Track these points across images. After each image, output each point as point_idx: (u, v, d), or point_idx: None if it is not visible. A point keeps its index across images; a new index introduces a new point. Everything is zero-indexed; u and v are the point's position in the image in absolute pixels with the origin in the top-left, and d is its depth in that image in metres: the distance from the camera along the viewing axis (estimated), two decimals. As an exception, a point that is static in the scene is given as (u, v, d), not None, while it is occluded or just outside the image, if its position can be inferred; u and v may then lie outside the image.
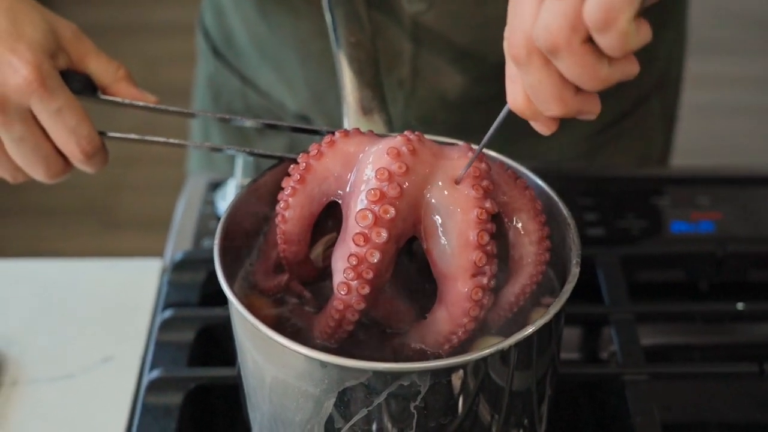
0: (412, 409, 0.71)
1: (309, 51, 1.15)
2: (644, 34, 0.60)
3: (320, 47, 1.10)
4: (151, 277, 1.09)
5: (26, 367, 1.01)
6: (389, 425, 0.72)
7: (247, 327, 0.75)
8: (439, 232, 0.73)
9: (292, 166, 0.79)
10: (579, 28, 0.60)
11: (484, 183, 0.74)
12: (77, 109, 0.85)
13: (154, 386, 0.92)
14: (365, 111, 0.90)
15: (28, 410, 0.97)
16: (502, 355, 0.72)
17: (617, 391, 0.91)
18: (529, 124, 1.19)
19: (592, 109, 0.67)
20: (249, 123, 0.94)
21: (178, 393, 0.91)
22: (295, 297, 0.82)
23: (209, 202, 1.14)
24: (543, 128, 0.70)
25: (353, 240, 0.72)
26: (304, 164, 0.77)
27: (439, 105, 1.14)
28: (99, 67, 0.89)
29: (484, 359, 0.72)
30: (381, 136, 0.79)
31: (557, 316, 0.76)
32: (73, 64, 0.88)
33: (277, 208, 0.79)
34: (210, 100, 1.31)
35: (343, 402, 0.72)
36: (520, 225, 0.79)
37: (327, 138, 0.78)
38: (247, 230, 0.85)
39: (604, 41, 0.60)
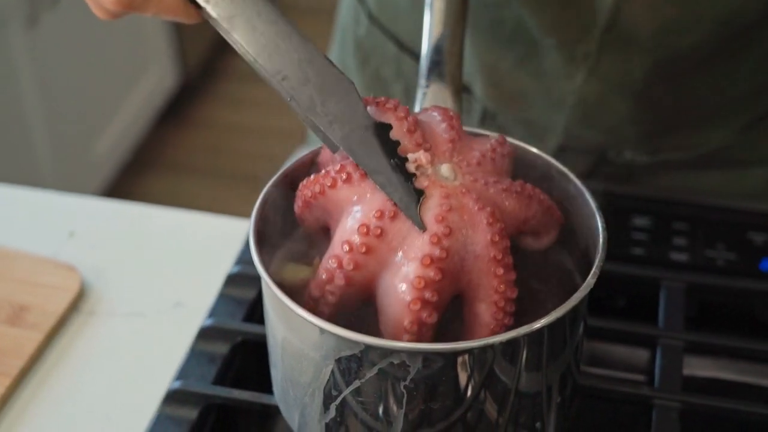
0: (402, 388, 0.73)
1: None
2: None
3: (489, 17, 1.12)
4: (240, 235, 1.14)
5: (105, 301, 1.07)
6: (380, 400, 0.74)
7: (264, 284, 0.78)
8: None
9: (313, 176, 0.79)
10: None
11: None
12: None
13: (204, 334, 0.97)
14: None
15: (97, 340, 1.03)
16: (501, 348, 0.73)
17: (647, 416, 0.90)
18: (681, 117, 1.16)
19: None
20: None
21: (225, 344, 0.96)
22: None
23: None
24: None
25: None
26: (319, 187, 0.77)
27: (616, 89, 1.12)
28: None
29: (480, 349, 0.72)
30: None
31: (571, 322, 0.76)
32: None
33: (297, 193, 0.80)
34: (357, 65, 1.30)
35: (340, 371, 0.74)
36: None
37: (344, 173, 0.76)
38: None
39: None
